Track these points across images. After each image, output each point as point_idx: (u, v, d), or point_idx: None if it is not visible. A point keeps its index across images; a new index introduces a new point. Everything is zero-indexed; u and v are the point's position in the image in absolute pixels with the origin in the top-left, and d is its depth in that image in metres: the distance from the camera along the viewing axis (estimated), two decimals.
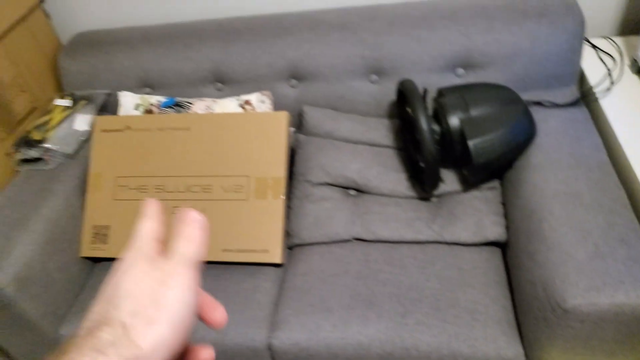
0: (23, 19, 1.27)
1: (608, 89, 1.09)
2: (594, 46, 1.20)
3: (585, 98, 1.09)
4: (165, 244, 0.31)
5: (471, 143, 0.98)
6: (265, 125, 1.15)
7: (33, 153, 1.23)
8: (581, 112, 1.06)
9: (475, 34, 1.12)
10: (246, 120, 1.16)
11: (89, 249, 1.17)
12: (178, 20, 1.35)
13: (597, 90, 1.09)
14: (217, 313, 0.33)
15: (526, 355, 0.90)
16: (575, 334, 0.80)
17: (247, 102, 1.24)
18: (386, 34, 1.16)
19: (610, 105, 1.06)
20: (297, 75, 1.24)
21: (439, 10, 1.15)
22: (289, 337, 0.98)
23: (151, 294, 0.28)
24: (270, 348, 1.00)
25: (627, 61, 1.16)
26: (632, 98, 1.07)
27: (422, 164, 1.10)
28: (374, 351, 0.94)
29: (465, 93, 1.04)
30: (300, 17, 1.23)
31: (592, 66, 1.16)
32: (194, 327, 0.30)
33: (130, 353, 0.25)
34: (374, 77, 1.20)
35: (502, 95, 1.04)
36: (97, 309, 0.28)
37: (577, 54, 1.11)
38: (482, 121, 0.99)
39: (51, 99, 1.35)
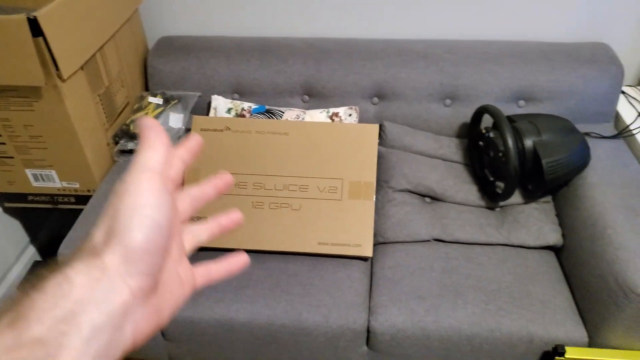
0: (128, 19, 1.36)
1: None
2: (622, 92, 1.45)
3: (624, 133, 1.33)
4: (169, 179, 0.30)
5: (545, 162, 1.18)
6: (358, 136, 1.30)
7: (132, 145, 1.31)
8: (621, 144, 1.30)
9: (538, 72, 1.34)
10: (341, 130, 1.31)
11: None
12: (259, 35, 1.49)
13: (633, 128, 1.33)
14: (232, 215, 0.36)
15: (589, 337, 1.09)
16: None
17: (336, 115, 1.39)
18: (463, 66, 1.36)
19: None
20: (379, 94, 1.41)
21: (509, 50, 1.37)
22: (386, 319, 1.12)
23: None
24: (369, 330, 1.13)
25: None
26: None
27: (491, 178, 1.29)
28: (463, 333, 1.10)
29: (534, 121, 1.25)
30: (387, 44, 1.41)
31: (623, 107, 1.41)
32: None
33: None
34: (448, 101, 1.39)
35: (564, 125, 1.26)
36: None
37: (616, 96, 1.36)
38: (552, 145, 1.20)
39: (140, 96, 1.44)
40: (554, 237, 1.24)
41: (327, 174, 1.28)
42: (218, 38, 1.48)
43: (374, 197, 1.26)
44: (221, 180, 0.36)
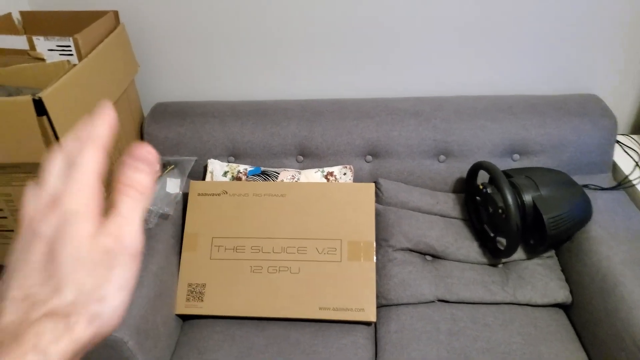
0: (125, 90, 1.39)
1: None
2: (617, 141, 1.46)
3: (623, 183, 1.32)
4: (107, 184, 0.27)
5: (546, 218, 1.16)
6: (354, 195, 1.30)
7: None
8: (621, 195, 1.29)
9: (530, 126, 1.35)
10: (337, 189, 1.31)
11: (184, 307, 1.22)
12: (253, 99, 1.52)
13: (632, 178, 1.33)
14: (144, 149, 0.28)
15: None
16: None
17: (331, 174, 1.39)
18: (454, 122, 1.37)
19: None
20: (373, 152, 1.41)
21: (497, 104, 1.39)
22: None
23: (98, 275, 0.24)
24: None
25: None
26: None
27: (491, 234, 1.27)
28: None
29: (531, 175, 1.25)
30: (377, 102, 1.43)
31: (619, 157, 1.41)
32: None
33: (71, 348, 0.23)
34: (442, 157, 1.39)
35: (561, 178, 1.25)
36: (32, 280, 0.24)
37: (611, 146, 1.36)
38: (552, 199, 1.19)
39: None
40: (562, 294, 1.20)
41: (325, 234, 1.26)
42: (212, 103, 1.50)
43: (374, 257, 1.23)
44: (110, 119, 0.29)
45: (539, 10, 1.34)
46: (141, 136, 1.49)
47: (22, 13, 1.35)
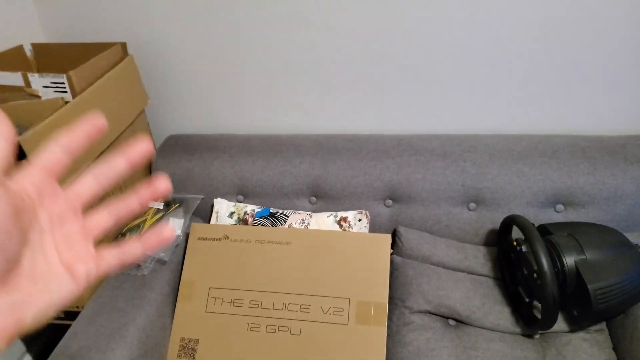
0: (132, 123, 1.33)
1: None
2: None
3: None
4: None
5: (591, 288, 0.97)
6: (367, 247, 1.15)
7: None
8: None
9: (577, 173, 1.16)
10: (348, 239, 1.17)
11: None
12: (265, 132, 1.42)
13: None
14: (160, 182, 0.32)
15: None
16: None
17: (344, 219, 1.25)
18: (487, 166, 1.20)
19: None
20: (393, 196, 1.26)
21: (539, 146, 1.20)
22: None
23: None
24: None
25: None
26: None
27: (527, 299, 1.09)
28: None
29: (575, 233, 1.06)
30: (399, 140, 1.29)
31: None
32: None
33: None
34: (473, 205, 1.22)
35: (614, 239, 1.05)
36: None
37: None
38: (600, 265, 0.99)
39: None
40: None
41: (332, 292, 1.13)
42: (224, 136, 1.41)
43: (386, 322, 1.08)
44: (92, 127, 0.31)
45: (596, 34, 1.15)
46: (150, 171, 1.42)
47: (33, 45, 1.32)
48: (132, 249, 0.32)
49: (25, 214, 0.28)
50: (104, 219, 0.33)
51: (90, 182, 0.32)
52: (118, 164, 0.32)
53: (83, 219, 0.32)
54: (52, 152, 0.30)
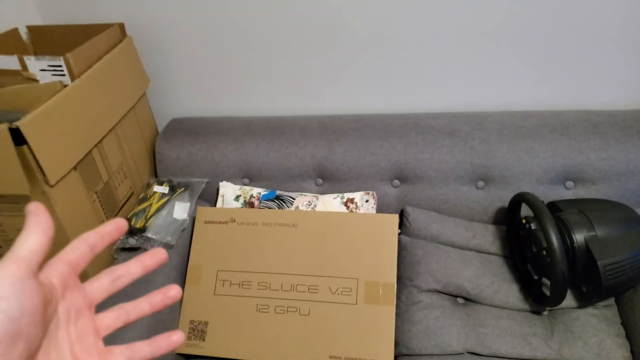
0: (133, 106, 1.31)
1: None
2: None
3: None
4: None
5: (601, 264, 0.96)
6: (375, 228, 1.15)
7: (133, 242, 1.22)
8: None
9: (588, 149, 1.14)
10: (355, 220, 1.16)
11: (184, 346, 1.13)
12: (269, 114, 1.40)
13: None
14: (172, 291, 0.34)
15: None
16: None
17: (351, 201, 1.24)
18: (496, 143, 1.18)
19: None
20: (400, 177, 1.25)
21: (549, 124, 1.18)
22: None
23: None
24: None
25: None
26: None
27: (535, 276, 1.08)
28: None
29: (585, 210, 1.05)
30: (406, 119, 1.26)
31: None
32: None
33: None
34: (481, 183, 1.21)
35: (624, 214, 1.04)
36: None
37: None
38: (609, 241, 0.99)
39: (147, 185, 1.36)
40: (620, 354, 1.00)
41: (340, 272, 1.12)
42: (227, 119, 1.39)
43: (395, 301, 1.08)
44: (116, 231, 0.34)
45: (607, 1, 1.12)
46: (153, 155, 1.41)
47: (29, 28, 1.29)
48: (142, 352, 0.33)
49: (51, 307, 0.29)
50: (114, 320, 0.34)
51: (107, 282, 0.34)
52: (135, 269, 0.35)
53: (96, 316, 0.33)
54: (78, 249, 0.31)
